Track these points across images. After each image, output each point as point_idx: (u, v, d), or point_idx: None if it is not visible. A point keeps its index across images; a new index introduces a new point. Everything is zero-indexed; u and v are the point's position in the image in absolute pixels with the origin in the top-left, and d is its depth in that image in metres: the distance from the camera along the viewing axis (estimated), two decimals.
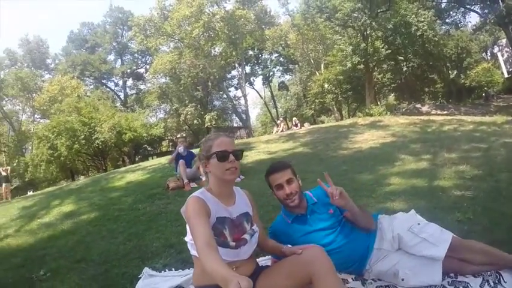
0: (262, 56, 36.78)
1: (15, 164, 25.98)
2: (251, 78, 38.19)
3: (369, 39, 21.07)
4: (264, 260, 2.39)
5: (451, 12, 25.10)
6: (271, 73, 38.71)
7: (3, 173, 13.75)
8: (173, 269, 2.91)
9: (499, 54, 32.22)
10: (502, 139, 7.71)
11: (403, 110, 24.39)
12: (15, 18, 69.51)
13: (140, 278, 2.78)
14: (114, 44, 38.82)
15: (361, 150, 8.59)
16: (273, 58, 37.10)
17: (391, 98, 34.29)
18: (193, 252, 1.68)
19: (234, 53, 29.17)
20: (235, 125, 37.61)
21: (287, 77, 39.92)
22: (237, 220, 1.76)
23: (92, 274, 3.18)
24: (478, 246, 2.05)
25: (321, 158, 8.13)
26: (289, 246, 1.92)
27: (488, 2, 22.61)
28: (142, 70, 39.37)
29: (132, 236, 4.19)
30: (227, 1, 28.36)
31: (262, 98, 43.24)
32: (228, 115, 37.13)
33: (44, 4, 74.60)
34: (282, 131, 18.13)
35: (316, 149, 9.59)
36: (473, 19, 46.86)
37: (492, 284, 1.93)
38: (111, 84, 40.46)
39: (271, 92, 41.07)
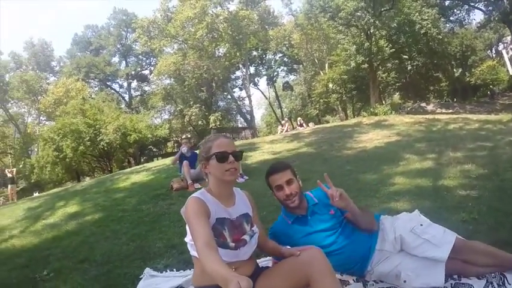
0: (266, 56, 36.80)
1: (21, 166, 26.19)
2: (255, 79, 38.33)
3: (373, 38, 21.01)
4: (264, 261, 2.37)
5: (455, 10, 24.97)
6: (276, 73, 38.79)
7: (9, 175, 13.88)
8: (174, 269, 2.91)
9: (504, 51, 32.03)
10: (508, 137, 7.63)
11: (408, 109, 24.25)
12: (20, 22, 70.32)
13: (141, 278, 2.78)
14: (118, 46, 39.02)
15: (366, 149, 8.55)
16: (277, 58, 37.14)
17: (396, 97, 34.11)
18: (193, 252, 1.67)
19: (238, 54, 29.21)
20: (240, 125, 37.61)
21: (291, 77, 40.05)
22: (236, 221, 1.75)
23: (95, 274, 3.19)
24: (482, 248, 2.00)
25: (325, 158, 8.10)
26: (288, 247, 1.91)
27: None
28: (146, 72, 39.52)
29: (135, 236, 4.21)
30: (230, 2, 28.52)
31: (266, 98, 43.30)
32: (233, 116, 37.17)
33: (48, 7, 75.43)
34: (287, 131, 18.10)
35: (321, 149, 9.55)
36: (477, 16, 46.84)
37: (496, 285, 1.89)
38: (115, 86, 40.76)
39: (276, 92, 41.06)
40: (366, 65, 22.03)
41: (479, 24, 28.31)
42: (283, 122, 22.16)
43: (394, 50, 21.47)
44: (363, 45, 20.76)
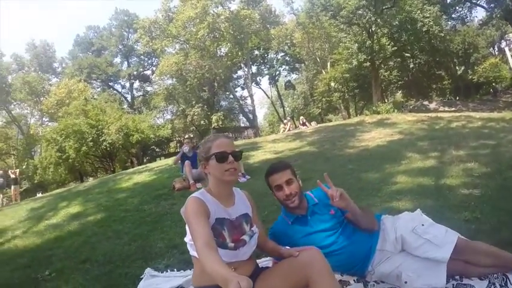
0: (268, 55, 36.75)
1: (24, 167, 26.32)
2: (257, 78, 38.24)
3: (375, 37, 20.91)
4: (265, 261, 2.36)
5: (457, 7, 24.72)
6: (278, 72, 38.75)
7: (12, 176, 13.94)
8: (175, 269, 2.91)
9: (506, 49, 31.84)
10: (511, 135, 7.60)
11: (411, 107, 24.18)
12: (21, 24, 70.55)
13: (142, 278, 2.79)
14: (120, 46, 39.11)
15: (368, 148, 8.52)
16: (279, 57, 37.11)
17: (399, 95, 34.02)
18: (192, 252, 1.67)
19: (239, 53, 29.19)
20: (242, 125, 37.60)
21: (293, 76, 39.94)
22: (236, 221, 1.75)
23: (96, 274, 3.21)
24: (484, 248, 1.98)
25: (327, 157, 8.07)
26: (288, 247, 1.90)
27: None
28: (148, 72, 39.60)
29: (137, 236, 4.22)
30: (231, 1, 28.50)
31: (269, 97, 43.24)
32: (235, 115, 37.16)
33: (49, 9, 75.67)
34: (289, 130, 18.08)
35: (323, 148, 9.53)
36: (479, 14, 46.25)
37: (498, 286, 1.87)
38: (117, 87, 40.86)
39: (278, 92, 41.01)
40: (368, 64, 21.95)
41: (481, 22, 28.10)
42: (285, 121, 22.14)
43: (396, 48, 21.34)
44: (365, 43, 20.68)
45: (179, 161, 7.53)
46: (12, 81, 31.29)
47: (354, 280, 2.12)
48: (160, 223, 4.64)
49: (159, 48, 28.67)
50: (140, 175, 10.01)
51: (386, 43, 20.86)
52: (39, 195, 16.20)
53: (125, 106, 37.01)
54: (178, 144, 33.11)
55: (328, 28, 25.15)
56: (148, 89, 39.26)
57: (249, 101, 34.09)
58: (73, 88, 29.27)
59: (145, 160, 28.47)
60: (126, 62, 40.19)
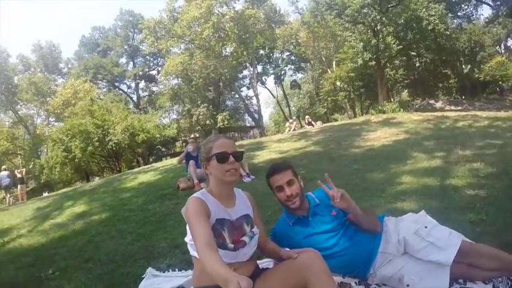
0: (273, 55, 36.70)
1: (31, 167, 26.53)
2: (263, 78, 38.26)
3: (380, 35, 20.75)
4: (265, 262, 2.34)
5: (463, 5, 24.47)
6: (283, 72, 38.68)
7: (19, 175, 14.06)
8: (176, 269, 2.91)
9: None
10: None
11: (417, 106, 23.99)
12: (27, 25, 71.13)
13: (143, 278, 2.79)
14: (125, 47, 39.25)
15: (373, 148, 8.47)
16: (284, 57, 37.05)
17: (405, 94, 33.80)
18: (193, 252, 1.67)
19: (245, 53, 29.16)
20: (248, 124, 37.54)
21: (299, 75, 39.89)
22: (236, 222, 1.75)
23: (98, 273, 3.23)
24: (489, 251, 1.94)
25: (332, 157, 8.02)
26: (287, 249, 1.89)
27: None
28: (154, 72, 39.66)
29: (140, 236, 4.24)
30: (236, 1, 28.44)
31: (274, 97, 43.21)
32: (241, 115, 37.09)
33: (55, 10, 76.17)
34: (294, 129, 18.04)
35: (328, 148, 9.48)
36: (485, 11, 46.01)
37: None
38: (123, 87, 41.02)
39: (284, 91, 40.94)
40: (374, 63, 21.80)
41: (487, 20, 27.88)
42: (291, 120, 22.09)
43: (401, 46, 21.18)
44: (370, 42, 20.53)
45: (183, 161, 7.54)
46: (19, 82, 31.49)
47: (356, 282, 2.09)
48: (164, 223, 4.65)
49: (164, 48, 28.71)
50: (145, 175, 10.06)
51: (392, 42, 20.71)
52: (45, 194, 16.34)
53: (131, 106, 37.15)
54: (184, 144, 33.15)
55: (333, 27, 25.01)
56: (154, 89, 39.37)
57: (254, 100, 34.09)
58: (79, 88, 29.44)
59: (151, 160, 28.56)
60: (131, 62, 40.38)
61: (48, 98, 31.48)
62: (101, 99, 32.11)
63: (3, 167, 15.92)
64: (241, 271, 1.58)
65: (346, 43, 24.14)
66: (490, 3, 23.75)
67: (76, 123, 22.37)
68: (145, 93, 40.94)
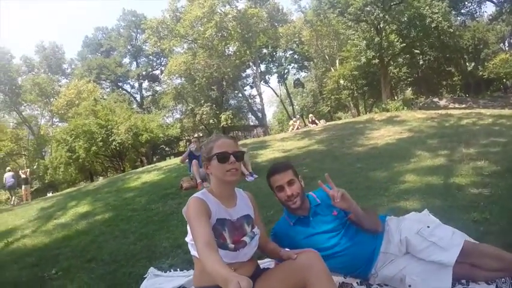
0: (276, 53, 36.63)
1: (35, 167, 26.65)
2: (266, 77, 38.13)
3: (383, 33, 20.63)
4: (267, 262, 2.34)
5: (466, 3, 24.20)
6: (286, 70, 38.57)
7: (23, 176, 14.12)
8: (178, 269, 2.92)
9: None
10: None
11: (421, 104, 23.89)
12: (29, 26, 71.45)
13: (145, 278, 2.80)
14: (128, 47, 39.32)
15: (377, 146, 8.43)
16: (288, 55, 36.94)
17: (408, 92, 33.67)
18: (193, 252, 1.68)
19: (248, 52, 29.12)
20: (251, 123, 37.54)
21: (302, 74, 39.74)
22: (237, 222, 1.75)
23: (101, 273, 3.24)
24: (492, 251, 1.91)
25: (336, 156, 7.99)
26: (287, 249, 1.88)
27: None
28: (157, 72, 39.68)
29: (143, 236, 4.25)
30: (239, 0, 28.43)
31: (278, 95, 43.20)
32: (244, 114, 37.09)
33: (58, 11, 76.55)
34: (298, 128, 18.02)
35: (331, 146, 9.45)
36: (488, 9, 45.57)
37: None
38: (127, 87, 41.07)
39: (287, 90, 40.91)
40: (377, 61, 21.69)
41: (491, 17, 27.63)
42: (294, 119, 22.06)
43: (405, 44, 21.08)
44: (373, 40, 20.43)
45: (186, 160, 7.56)
46: (22, 83, 31.64)
47: (357, 283, 2.08)
48: (166, 222, 4.66)
49: (167, 48, 28.74)
50: (149, 174, 10.08)
51: (395, 40, 20.61)
52: (49, 194, 16.42)
53: (134, 106, 37.23)
54: (187, 143, 33.19)
55: (336, 25, 24.93)
56: (157, 88, 39.42)
57: (257, 99, 34.01)
58: (82, 89, 29.54)
59: (154, 159, 28.65)
60: (135, 62, 40.45)
61: (52, 99, 31.63)
62: (104, 99, 32.20)
63: (8, 168, 16.03)
64: (242, 271, 1.58)
65: (349, 41, 24.01)
66: (494, 0, 23.57)
67: (80, 124, 22.47)
68: (149, 93, 40.99)
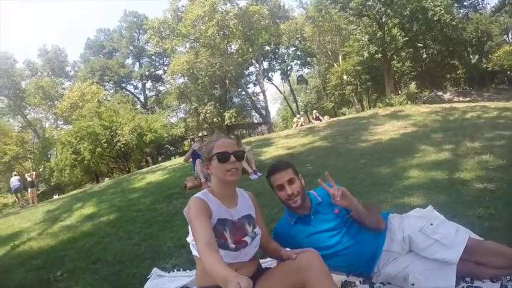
0: (279, 50, 36.56)
1: (41, 170, 26.80)
2: (269, 74, 38.08)
3: (385, 28, 20.46)
4: (269, 262, 2.33)
5: None
6: (289, 67, 38.51)
7: (29, 179, 14.21)
8: (181, 269, 2.93)
9: None
10: None
11: (425, 98, 23.70)
12: (31, 30, 71.80)
13: (149, 278, 2.81)
14: (131, 48, 39.39)
15: (381, 142, 8.39)
16: (290, 52, 36.84)
17: (412, 86, 33.42)
18: (195, 252, 1.67)
19: (250, 50, 29.04)
20: (255, 121, 37.49)
21: (305, 70, 39.65)
22: (238, 222, 1.75)
23: (105, 274, 3.26)
24: (497, 248, 1.88)
25: (340, 152, 7.98)
26: (288, 249, 1.86)
27: None
28: (160, 72, 39.72)
29: (147, 236, 4.27)
30: None
31: (281, 92, 43.12)
32: (248, 112, 37.01)
33: (59, 14, 76.81)
34: (302, 125, 17.99)
35: (335, 143, 9.43)
36: (491, 0, 45.14)
37: None
38: (130, 88, 41.17)
39: (290, 86, 40.83)
40: (380, 55, 21.50)
41: (493, 9, 27.29)
42: (298, 116, 22.02)
43: (407, 38, 20.91)
44: (376, 34, 20.27)
45: (190, 159, 7.57)
46: (26, 86, 31.80)
47: (360, 281, 2.06)
48: (170, 222, 4.68)
49: (169, 47, 28.72)
50: (153, 174, 10.14)
51: (398, 34, 20.46)
52: (55, 197, 16.54)
53: (138, 106, 37.35)
54: (192, 143, 33.19)
55: (338, 21, 24.82)
56: (161, 88, 39.47)
57: (261, 97, 33.96)
58: (86, 91, 29.67)
59: (159, 159, 28.74)
60: (137, 63, 40.50)
61: (56, 102, 31.80)
62: (108, 100, 32.35)
63: (14, 172, 16.17)
64: (243, 271, 1.57)
65: (351, 36, 23.90)
66: None
67: (84, 126, 22.58)
68: (152, 93, 41.11)
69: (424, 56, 26.06)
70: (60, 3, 71.25)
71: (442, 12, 18.89)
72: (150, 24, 28.62)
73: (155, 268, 2.95)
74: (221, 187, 1.78)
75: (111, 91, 39.26)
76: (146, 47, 37.27)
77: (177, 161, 13.40)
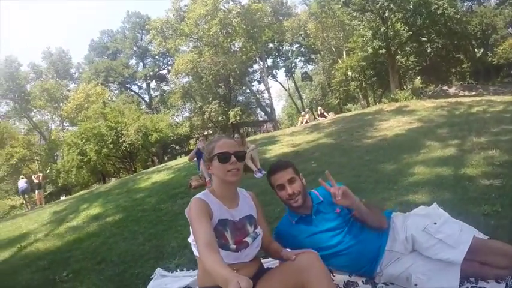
0: (282, 47, 36.45)
1: (47, 171, 26.98)
2: (273, 71, 37.96)
3: (389, 22, 20.28)
4: (271, 262, 2.31)
5: None
6: (294, 64, 38.34)
7: (36, 181, 14.32)
8: (184, 269, 2.93)
9: None
10: None
11: (430, 93, 23.52)
12: (35, 32, 72.22)
13: (152, 278, 2.82)
14: (134, 48, 39.54)
15: (386, 138, 8.34)
16: (294, 49, 36.71)
17: (417, 81, 33.14)
18: (196, 253, 1.69)
19: (253, 47, 28.99)
20: (260, 119, 37.44)
21: (310, 67, 39.49)
22: (239, 223, 1.75)
23: (110, 275, 3.29)
24: (501, 247, 1.85)
25: (344, 149, 7.95)
26: (288, 250, 1.84)
27: None
28: (164, 71, 39.81)
29: (152, 236, 4.29)
30: None
31: (286, 90, 43.05)
32: (253, 109, 36.92)
33: (62, 16, 77.16)
34: (307, 122, 17.95)
35: (340, 139, 9.40)
36: None
37: None
38: (135, 88, 41.30)
39: (295, 83, 40.69)
40: (384, 50, 21.27)
41: (498, 1, 27.02)
42: (303, 113, 21.96)
43: (411, 33, 20.71)
44: (379, 30, 20.08)
45: (195, 158, 7.59)
46: (31, 89, 32.06)
47: (363, 281, 2.04)
48: (175, 222, 4.69)
49: (172, 47, 28.79)
50: (159, 174, 10.18)
51: (401, 28, 20.28)
52: (62, 198, 16.67)
53: (143, 106, 37.46)
54: (197, 142, 33.22)
55: (341, 16, 24.63)
56: (165, 88, 39.59)
57: (266, 94, 33.90)
58: (91, 92, 29.79)
59: (166, 158, 28.80)
60: (141, 63, 40.67)
61: (61, 104, 32.02)
62: (113, 101, 32.44)
63: (21, 176, 16.32)
64: (244, 272, 1.57)
65: (355, 32, 23.71)
66: None
67: (89, 127, 22.68)
68: (157, 93, 41.21)
69: (429, 50, 25.77)
70: (62, 4, 71.76)
71: (446, 5, 18.67)
72: (153, 24, 28.69)
73: (158, 268, 2.96)
74: (222, 187, 1.78)
75: (116, 92, 39.43)
76: (150, 47, 37.39)
77: (183, 160, 13.46)
